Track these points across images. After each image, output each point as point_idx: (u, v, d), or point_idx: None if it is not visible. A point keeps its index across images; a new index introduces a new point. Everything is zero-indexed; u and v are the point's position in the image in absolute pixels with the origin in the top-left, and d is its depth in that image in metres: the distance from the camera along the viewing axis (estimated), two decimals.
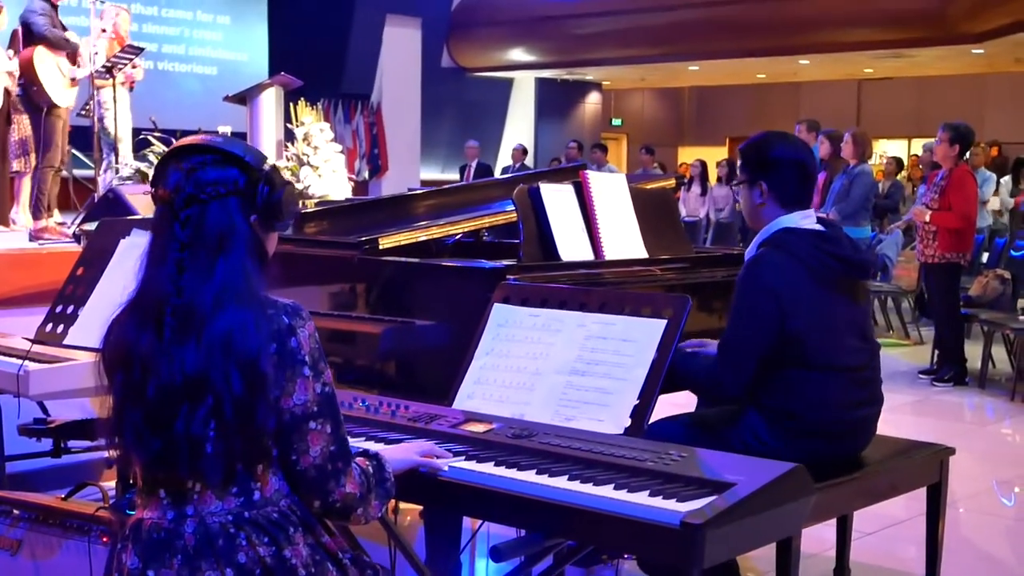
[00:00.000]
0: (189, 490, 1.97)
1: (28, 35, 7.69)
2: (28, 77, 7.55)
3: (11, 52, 8.18)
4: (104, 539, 2.95)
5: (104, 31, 8.35)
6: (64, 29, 7.91)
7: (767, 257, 3.01)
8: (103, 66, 8.15)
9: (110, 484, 3.54)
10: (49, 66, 7.53)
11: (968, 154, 7.75)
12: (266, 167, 2.05)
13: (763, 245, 3.06)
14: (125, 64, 8.30)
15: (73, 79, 7.75)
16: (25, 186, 8.69)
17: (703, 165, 15.07)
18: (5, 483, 3.75)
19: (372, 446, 2.46)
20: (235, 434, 1.93)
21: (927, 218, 7.47)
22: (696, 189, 14.71)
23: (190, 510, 1.96)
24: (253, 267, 1.99)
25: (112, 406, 2.00)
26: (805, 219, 3.07)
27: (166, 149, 6.84)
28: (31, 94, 7.67)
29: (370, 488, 2.09)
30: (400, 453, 2.36)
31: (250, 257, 2.00)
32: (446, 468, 2.38)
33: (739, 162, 3.25)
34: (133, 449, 1.99)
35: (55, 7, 7.84)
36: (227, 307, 1.93)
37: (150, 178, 6.49)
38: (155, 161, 6.61)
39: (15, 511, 3.09)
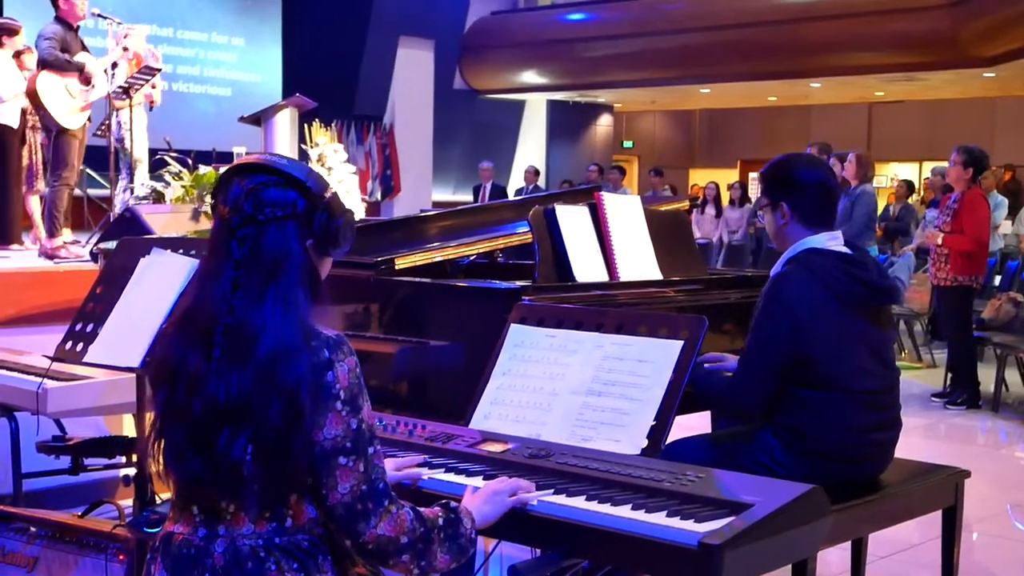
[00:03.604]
0: (223, 510, 1.97)
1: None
2: (33, 102, 7.61)
3: (26, 73, 8.23)
4: (120, 557, 2.96)
5: (126, 50, 8.38)
6: (85, 50, 7.92)
7: (791, 274, 3.03)
8: (119, 87, 8.18)
9: (127, 502, 3.55)
10: (55, 89, 7.53)
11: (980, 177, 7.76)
12: (327, 194, 2.05)
13: (789, 263, 3.08)
14: (142, 85, 8.33)
15: (86, 101, 7.76)
16: (35, 206, 8.75)
17: (717, 187, 15.10)
18: (22, 500, 3.76)
19: (462, 480, 2.41)
20: (271, 462, 1.92)
21: (939, 240, 7.47)
22: (710, 211, 14.73)
23: (222, 530, 1.97)
24: (304, 293, 2.00)
25: (154, 421, 2.01)
26: (832, 240, 3.08)
27: (182, 169, 6.87)
28: (40, 117, 7.78)
29: (429, 539, 2.03)
30: (490, 505, 2.24)
31: (302, 283, 2.00)
32: (535, 502, 2.29)
33: (760, 186, 3.25)
34: (172, 466, 1.99)
35: (75, 29, 7.85)
36: (275, 332, 1.93)
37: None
38: (171, 181, 6.63)
39: (32, 528, 3.10)
